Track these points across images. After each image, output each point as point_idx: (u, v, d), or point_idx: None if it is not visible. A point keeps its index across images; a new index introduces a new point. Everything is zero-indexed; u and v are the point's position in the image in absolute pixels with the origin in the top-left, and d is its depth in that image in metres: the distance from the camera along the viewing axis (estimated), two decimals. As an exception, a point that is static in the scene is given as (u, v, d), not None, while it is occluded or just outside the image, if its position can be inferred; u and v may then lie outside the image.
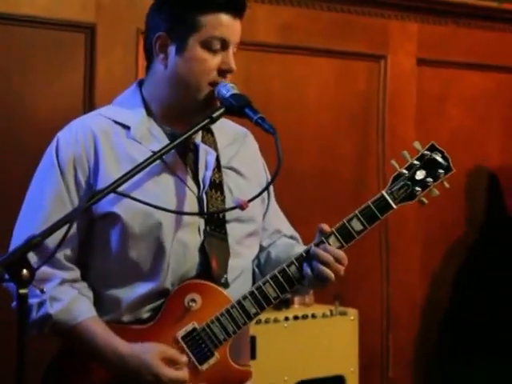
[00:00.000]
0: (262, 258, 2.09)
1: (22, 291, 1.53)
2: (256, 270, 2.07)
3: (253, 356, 2.81)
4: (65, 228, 1.63)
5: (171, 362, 1.82)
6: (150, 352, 1.82)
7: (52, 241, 1.68)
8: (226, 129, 2.02)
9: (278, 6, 3.45)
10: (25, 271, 1.53)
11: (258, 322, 2.93)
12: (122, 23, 3.03)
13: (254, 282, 2.03)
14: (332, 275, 1.86)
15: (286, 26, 3.47)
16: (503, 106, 4.12)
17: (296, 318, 3.05)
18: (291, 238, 2.17)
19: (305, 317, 3.07)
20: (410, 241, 3.82)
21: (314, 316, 3.09)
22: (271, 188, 2.13)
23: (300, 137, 3.54)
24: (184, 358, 1.84)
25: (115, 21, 3.03)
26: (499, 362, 3.92)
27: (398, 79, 3.75)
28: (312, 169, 3.53)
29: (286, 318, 3.03)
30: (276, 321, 3.00)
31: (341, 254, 1.88)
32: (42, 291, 1.67)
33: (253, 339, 2.85)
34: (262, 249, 2.10)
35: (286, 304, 3.12)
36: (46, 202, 1.85)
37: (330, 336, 3.11)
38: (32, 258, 1.74)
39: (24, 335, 1.55)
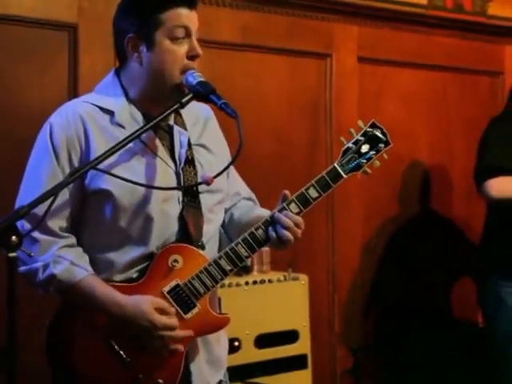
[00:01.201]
0: (226, 218, 2.12)
1: (12, 255, 1.55)
2: (220, 228, 2.09)
3: (219, 314, 2.84)
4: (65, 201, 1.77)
5: (162, 311, 1.84)
6: (145, 302, 1.84)
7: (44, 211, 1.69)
8: (190, 109, 2.00)
9: (238, 10, 3.44)
10: (13, 237, 1.55)
11: (223, 286, 2.93)
12: (100, 23, 2.97)
13: (220, 241, 2.06)
14: (292, 238, 1.90)
15: (245, 27, 3.46)
16: (430, 101, 4.15)
17: (255, 282, 3.06)
18: (249, 199, 2.19)
19: (262, 282, 3.08)
20: (353, 217, 3.85)
21: (270, 281, 3.10)
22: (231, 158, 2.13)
23: (258, 125, 3.53)
24: (172, 309, 1.86)
25: (95, 21, 3.00)
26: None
27: (342, 75, 3.77)
28: (269, 153, 3.54)
29: (247, 283, 3.04)
30: (238, 285, 3.01)
31: (299, 219, 1.92)
32: (30, 255, 1.69)
33: (218, 300, 2.84)
34: (225, 211, 2.11)
35: (246, 271, 3.14)
36: (42, 181, 1.83)
37: (285, 298, 3.12)
38: (26, 226, 1.76)
39: (13, 293, 1.55)
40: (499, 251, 3.33)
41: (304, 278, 3.19)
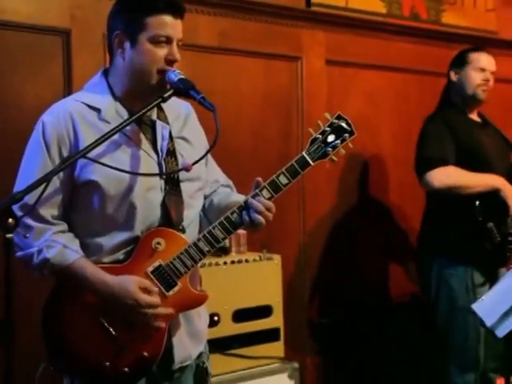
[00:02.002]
0: (206, 203, 2.12)
1: (8, 236, 1.56)
2: (201, 213, 2.09)
3: (199, 292, 2.85)
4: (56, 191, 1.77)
5: (146, 290, 1.84)
6: (130, 281, 1.85)
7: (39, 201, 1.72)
8: (172, 106, 2.01)
9: (216, 17, 3.42)
10: (10, 220, 1.56)
11: (203, 265, 2.92)
12: (91, 29, 2.97)
13: (200, 225, 2.06)
14: (263, 221, 1.91)
15: (222, 33, 3.45)
16: (392, 98, 4.16)
17: (233, 262, 3.06)
18: (227, 186, 2.20)
19: (240, 261, 3.07)
20: (322, 202, 3.86)
21: (246, 261, 3.09)
22: None
23: (235, 121, 3.53)
24: (155, 288, 1.85)
25: (86, 27, 2.98)
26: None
27: (311, 76, 3.77)
28: (245, 146, 3.54)
29: (225, 263, 3.03)
30: (217, 264, 3.00)
31: (270, 204, 1.92)
32: (25, 236, 1.69)
33: (199, 278, 2.86)
34: (205, 196, 2.12)
35: (225, 252, 3.13)
36: (35, 173, 1.82)
37: (260, 276, 3.12)
38: (20, 213, 1.74)
39: (10, 272, 1.56)
40: (440, 237, 3.32)
41: (277, 258, 3.19)
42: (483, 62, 3.36)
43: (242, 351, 3.03)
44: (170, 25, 1.86)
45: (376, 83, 4.08)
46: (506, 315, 2.11)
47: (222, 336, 2.97)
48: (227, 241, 3.15)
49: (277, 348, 3.15)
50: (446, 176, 3.15)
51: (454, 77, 3.41)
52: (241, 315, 3.05)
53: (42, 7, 2.93)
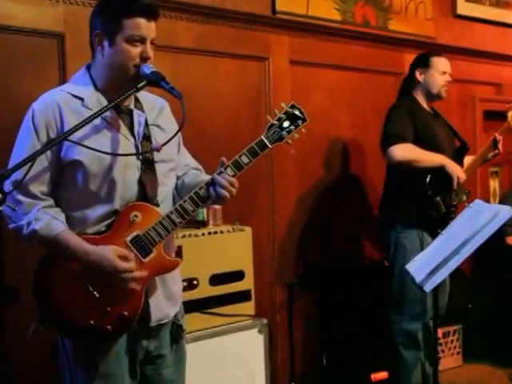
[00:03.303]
0: (179, 183, 2.10)
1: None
2: (174, 192, 2.06)
3: (180, 258, 2.78)
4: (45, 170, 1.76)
5: (123, 258, 1.80)
6: (108, 250, 1.81)
7: (27, 178, 1.70)
8: (148, 99, 2.00)
9: (193, 22, 3.35)
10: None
11: (184, 236, 2.91)
12: (83, 33, 2.85)
13: (174, 202, 2.02)
14: (228, 195, 1.89)
15: (200, 36, 3.39)
16: (349, 94, 4.12)
17: (210, 233, 3.02)
18: (197, 169, 2.17)
19: (215, 232, 3.04)
20: (288, 182, 3.82)
21: (221, 232, 3.06)
22: (181, 137, 2.13)
23: (212, 114, 3.48)
24: (132, 255, 1.82)
25: (78, 31, 2.88)
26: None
27: (277, 74, 3.71)
28: (220, 135, 3.48)
29: (203, 234, 3.00)
30: (196, 235, 2.97)
31: (234, 180, 1.91)
32: (14, 209, 1.64)
33: (180, 247, 2.82)
34: (177, 178, 2.09)
35: (203, 224, 3.10)
36: (25, 154, 1.76)
37: (233, 245, 3.09)
38: (12, 187, 1.70)
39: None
40: (396, 206, 3.39)
41: (248, 230, 3.16)
42: (444, 66, 3.49)
43: (218, 310, 3.00)
44: (144, 26, 1.82)
45: (334, 81, 4.04)
46: (432, 273, 2.09)
47: (200, 297, 2.95)
48: (205, 215, 3.11)
49: (248, 307, 3.12)
50: (406, 151, 3.25)
51: (419, 76, 3.49)
52: (217, 279, 3.01)
53: (40, 13, 2.84)
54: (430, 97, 3.49)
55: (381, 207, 3.59)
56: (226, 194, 1.87)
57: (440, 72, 3.45)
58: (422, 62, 3.50)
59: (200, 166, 2.21)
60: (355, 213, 4.09)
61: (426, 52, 3.61)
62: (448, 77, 3.47)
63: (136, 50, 1.82)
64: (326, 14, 3.88)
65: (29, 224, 1.79)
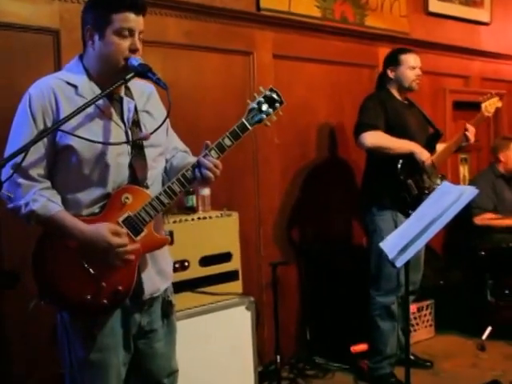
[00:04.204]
0: (168, 166, 2.09)
1: None
2: (164, 174, 2.06)
3: (172, 242, 2.80)
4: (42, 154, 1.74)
5: (116, 234, 1.80)
6: (102, 227, 1.81)
7: (26, 162, 1.71)
8: (137, 86, 1.98)
9: (182, 18, 3.33)
10: None
11: (175, 221, 2.91)
12: (78, 30, 2.81)
13: (163, 184, 2.02)
14: (212, 176, 1.89)
15: (188, 32, 3.37)
16: (328, 85, 4.14)
17: (199, 218, 3.02)
18: (185, 151, 2.16)
19: (205, 218, 3.04)
20: (272, 171, 3.83)
21: (210, 217, 3.06)
22: (169, 122, 2.12)
23: (200, 105, 3.47)
24: (124, 230, 1.82)
25: (73, 28, 2.84)
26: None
27: (261, 67, 3.71)
28: (209, 126, 3.46)
29: (193, 219, 3.00)
30: (186, 220, 2.97)
31: (218, 162, 1.91)
32: (10, 197, 1.64)
33: (171, 232, 2.82)
34: (166, 160, 2.09)
35: (193, 210, 3.09)
36: (22, 140, 1.75)
37: (221, 229, 3.09)
38: (11, 171, 1.68)
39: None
40: (372, 190, 3.43)
41: (235, 215, 3.16)
42: (413, 62, 3.50)
43: (208, 289, 3.01)
44: (132, 20, 1.82)
45: (314, 73, 4.04)
46: (403, 250, 2.11)
47: (191, 278, 2.95)
48: (195, 201, 3.10)
49: (236, 286, 3.14)
50: (375, 138, 3.29)
51: (391, 74, 3.53)
52: (206, 260, 3.02)
53: (37, 10, 2.82)
54: (403, 89, 3.54)
55: (360, 191, 3.62)
56: (211, 175, 1.87)
57: (410, 68, 3.46)
58: (392, 60, 3.53)
59: (188, 149, 2.20)
60: (336, 196, 4.12)
61: (395, 50, 3.61)
62: (418, 71, 3.48)
63: (125, 43, 1.81)
64: (307, 11, 3.88)
65: (27, 204, 1.78)
